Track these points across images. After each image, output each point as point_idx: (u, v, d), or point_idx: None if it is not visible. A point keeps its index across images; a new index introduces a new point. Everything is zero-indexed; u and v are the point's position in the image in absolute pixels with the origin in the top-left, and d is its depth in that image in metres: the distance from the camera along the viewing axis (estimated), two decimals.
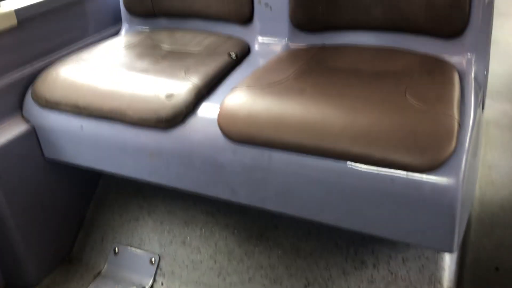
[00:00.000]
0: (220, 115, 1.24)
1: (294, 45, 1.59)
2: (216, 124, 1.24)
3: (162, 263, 1.62)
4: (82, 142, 1.43)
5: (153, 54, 1.58)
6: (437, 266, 1.36)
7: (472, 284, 1.39)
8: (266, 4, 1.60)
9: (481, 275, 1.42)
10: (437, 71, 1.31)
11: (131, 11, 1.83)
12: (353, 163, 1.09)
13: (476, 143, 1.27)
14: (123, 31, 1.86)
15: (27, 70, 1.54)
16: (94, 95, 1.38)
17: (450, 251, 1.07)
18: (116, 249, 1.69)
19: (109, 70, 1.47)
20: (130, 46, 1.65)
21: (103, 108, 1.35)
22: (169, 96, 1.30)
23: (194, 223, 1.64)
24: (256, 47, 1.64)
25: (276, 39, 1.62)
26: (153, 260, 1.63)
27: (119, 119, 1.34)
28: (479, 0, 1.34)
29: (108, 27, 1.86)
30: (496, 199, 1.61)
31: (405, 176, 1.05)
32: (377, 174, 1.07)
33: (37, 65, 1.57)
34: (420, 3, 1.39)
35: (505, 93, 2.32)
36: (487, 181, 1.67)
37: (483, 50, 1.37)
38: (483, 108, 1.46)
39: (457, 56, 1.39)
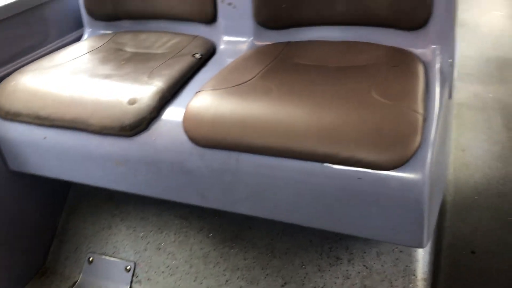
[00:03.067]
0: (185, 120, 1.22)
1: (259, 43, 1.57)
2: (181, 128, 1.22)
3: (137, 270, 1.60)
4: (46, 153, 1.39)
5: (116, 58, 1.54)
6: (411, 258, 1.36)
7: (449, 268, 1.40)
8: (230, 3, 1.57)
9: (457, 259, 1.43)
10: (403, 64, 1.31)
11: (92, 15, 1.78)
12: (320, 163, 1.08)
13: (444, 134, 1.27)
14: (85, 36, 1.82)
15: None
16: (56, 104, 1.34)
17: (420, 246, 1.07)
18: (91, 258, 1.66)
19: (70, 77, 1.42)
20: (92, 51, 1.61)
21: (65, 117, 1.31)
22: (132, 102, 1.27)
23: (168, 228, 1.62)
24: (221, 46, 1.61)
25: (242, 38, 1.59)
26: (128, 267, 1.61)
27: (82, 128, 1.30)
28: None
29: (70, 32, 1.81)
30: (470, 182, 1.62)
31: (372, 174, 1.04)
32: (344, 173, 1.06)
33: None
34: None
35: (476, 75, 2.34)
36: (461, 164, 1.68)
37: (447, 41, 1.37)
38: (451, 97, 1.47)
39: (422, 48, 1.39)
